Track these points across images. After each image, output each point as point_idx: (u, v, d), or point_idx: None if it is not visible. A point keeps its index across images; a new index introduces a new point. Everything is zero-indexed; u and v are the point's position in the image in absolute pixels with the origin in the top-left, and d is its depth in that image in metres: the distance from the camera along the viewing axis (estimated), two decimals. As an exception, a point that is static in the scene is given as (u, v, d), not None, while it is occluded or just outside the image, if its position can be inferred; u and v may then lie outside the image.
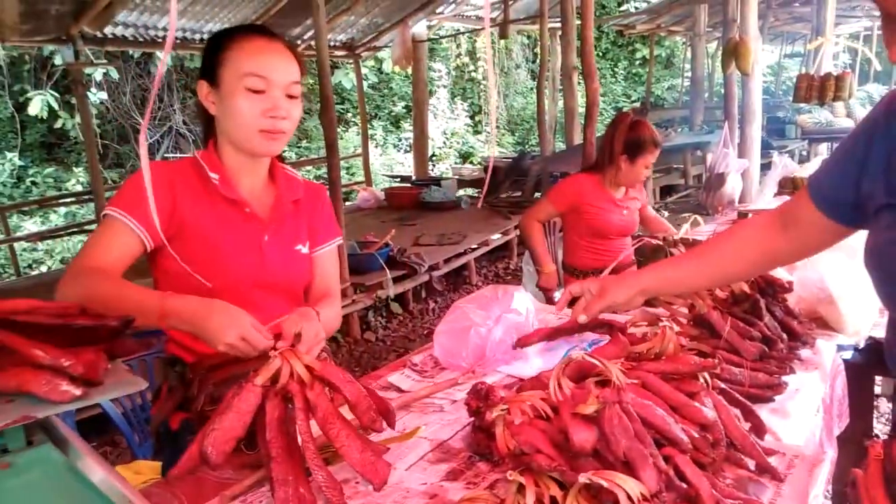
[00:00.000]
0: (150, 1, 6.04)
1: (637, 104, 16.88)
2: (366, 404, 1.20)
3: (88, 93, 7.58)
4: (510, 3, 8.36)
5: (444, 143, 15.07)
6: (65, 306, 1.06)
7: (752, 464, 1.20)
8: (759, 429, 1.28)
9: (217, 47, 1.43)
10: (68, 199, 9.10)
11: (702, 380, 1.23)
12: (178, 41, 6.88)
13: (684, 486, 1.01)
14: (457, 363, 1.72)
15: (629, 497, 0.89)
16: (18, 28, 5.00)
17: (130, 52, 9.71)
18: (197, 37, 7.01)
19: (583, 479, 0.91)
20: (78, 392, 0.88)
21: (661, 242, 2.07)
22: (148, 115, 0.92)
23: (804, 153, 10.44)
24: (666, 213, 9.49)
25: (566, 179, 3.12)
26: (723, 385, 1.28)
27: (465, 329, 1.72)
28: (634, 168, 2.85)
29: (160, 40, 6.73)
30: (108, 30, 6.04)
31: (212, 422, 1.15)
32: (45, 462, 0.92)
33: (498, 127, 16.62)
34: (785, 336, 1.58)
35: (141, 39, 6.52)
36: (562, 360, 1.10)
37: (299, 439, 1.17)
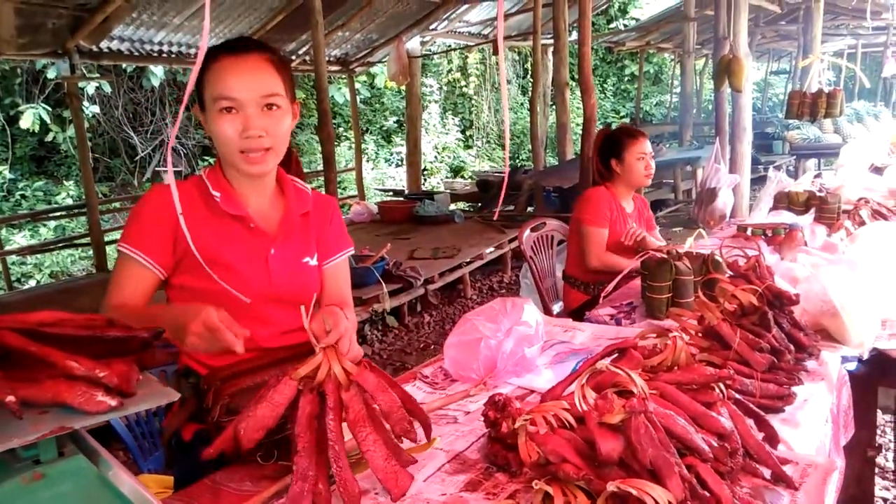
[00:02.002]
0: (146, 16, 6.08)
1: (626, 120, 17.05)
2: (399, 414, 1.21)
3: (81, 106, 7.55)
4: (504, 20, 8.44)
5: (436, 157, 15.13)
6: (91, 318, 1.06)
7: (767, 473, 1.22)
8: (772, 438, 1.30)
9: (200, 71, 1.45)
10: (60, 213, 9.04)
11: (717, 390, 1.25)
12: (174, 55, 6.91)
13: (707, 494, 1.02)
14: (468, 375, 1.73)
15: (657, 505, 0.90)
16: (15, 41, 5.01)
17: (123, 65, 9.71)
18: (192, 51, 7.03)
19: (611, 487, 0.93)
20: (114, 403, 0.89)
21: (665, 256, 2.10)
22: (174, 132, 0.92)
23: (791, 168, 10.58)
24: (657, 228, 9.58)
25: (592, 198, 2.97)
26: (737, 395, 1.30)
27: (475, 341, 1.73)
28: (627, 164, 2.91)
29: (155, 54, 6.75)
30: (103, 44, 6.06)
31: (248, 409, 1.17)
32: (77, 473, 0.93)
33: (489, 142, 16.71)
34: (792, 347, 1.60)
35: (136, 53, 6.54)
36: (584, 371, 1.12)
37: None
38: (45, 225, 9.72)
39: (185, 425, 1.47)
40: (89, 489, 0.93)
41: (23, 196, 10.55)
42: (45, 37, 5.43)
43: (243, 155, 1.41)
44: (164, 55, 6.84)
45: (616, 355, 1.43)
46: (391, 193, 10.75)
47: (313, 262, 1.58)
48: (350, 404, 1.17)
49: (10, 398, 0.83)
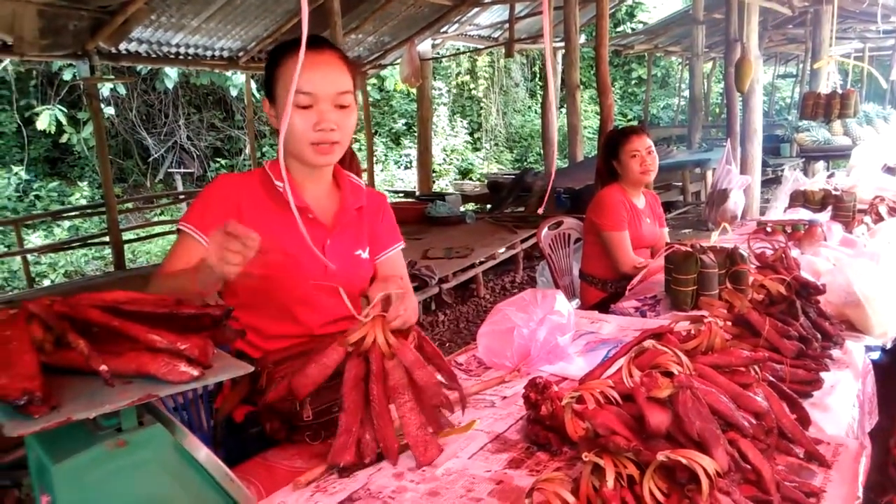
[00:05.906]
0: (164, 18, 6.15)
1: (633, 123, 17.11)
2: (434, 389, 1.29)
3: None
4: (515, 23, 8.51)
5: (445, 159, 15.21)
6: (161, 297, 1.12)
7: (800, 452, 1.27)
8: (804, 420, 1.35)
9: (272, 65, 1.52)
10: (74, 213, 9.15)
11: (752, 372, 1.30)
12: (190, 57, 6.98)
13: (749, 467, 1.07)
14: (501, 363, 1.78)
15: (706, 473, 0.95)
16: (38, 43, 5.09)
17: (138, 67, 9.81)
18: (209, 53, 7.11)
19: (661, 457, 0.98)
20: (196, 373, 0.94)
21: (690, 249, 2.15)
22: (284, 124, 0.93)
23: (800, 171, 10.60)
24: (666, 229, 9.60)
25: (607, 201, 2.99)
26: (771, 378, 1.35)
27: (508, 330, 1.78)
28: (623, 163, 2.96)
29: (172, 56, 6.83)
30: (122, 45, 6.14)
31: (300, 368, 1.25)
32: (156, 441, 0.98)
33: (496, 144, 16.78)
34: (819, 336, 1.65)
35: (154, 55, 6.62)
36: (631, 350, 1.17)
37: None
38: (59, 225, 9.83)
39: (236, 407, 1.52)
40: (167, 456, 0.99)
41: (37, 196, 10.66)
42: (66, 38, 5.51)
43: (314, 147, 1.47)
44: (181, 57, 6.92)
45: (652, 341, 1.48)
46: (402, 195, 10.82)
47: (365, 254, 1.65)
48: (392, 372, 1.25)
49: (104, 367, 0.89)
